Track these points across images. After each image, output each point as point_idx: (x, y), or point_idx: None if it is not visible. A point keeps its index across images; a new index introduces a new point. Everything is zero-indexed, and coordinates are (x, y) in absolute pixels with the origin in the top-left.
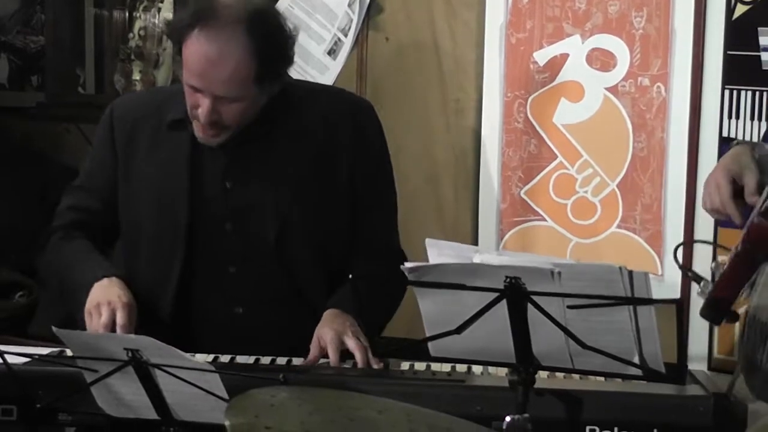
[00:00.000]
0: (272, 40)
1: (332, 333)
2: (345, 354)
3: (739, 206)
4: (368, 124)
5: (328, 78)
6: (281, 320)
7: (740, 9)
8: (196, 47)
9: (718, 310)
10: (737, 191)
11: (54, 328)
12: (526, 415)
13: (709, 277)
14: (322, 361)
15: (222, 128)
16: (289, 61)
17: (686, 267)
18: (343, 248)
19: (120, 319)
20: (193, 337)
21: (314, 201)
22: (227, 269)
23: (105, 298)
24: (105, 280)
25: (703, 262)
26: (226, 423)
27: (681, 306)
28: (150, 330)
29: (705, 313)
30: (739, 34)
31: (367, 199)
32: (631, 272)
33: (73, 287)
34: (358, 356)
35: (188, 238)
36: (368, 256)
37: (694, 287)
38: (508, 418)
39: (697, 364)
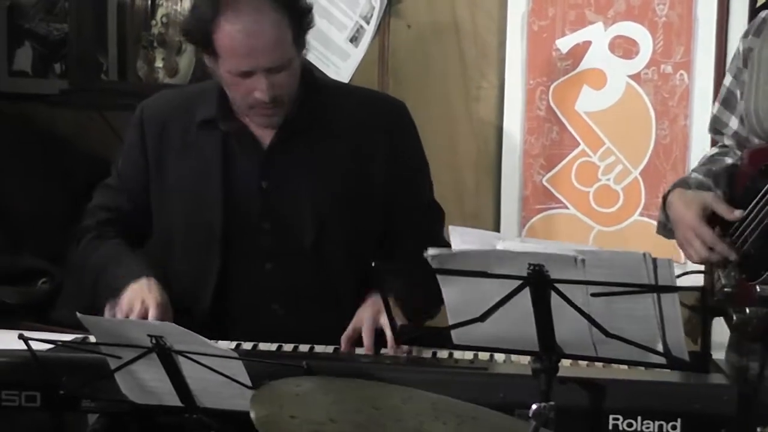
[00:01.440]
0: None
1: (369, 314)
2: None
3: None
4: (404, 126)
5: (350, 65)
6: (316, 317)
7: None
8: (232, 30)
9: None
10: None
11: (78, 314)
12: (552, 403)
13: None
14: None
15: (281, 103)
16: (311, 17)
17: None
18: (377, 250)
19: (152, 317)
20: (231, 335)
21: (351, 200)
22: (264, 266)
23: (139, 297)
24: (143, 279)
25: None
26: (252, 413)
27: (705, 293)
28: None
29: (759, 335)
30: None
31: (406, 199)
32: (655, 259)
33: (108, 286)
34: (388, 333)
35: (224, 238)
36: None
37: None
38: (534, 406)
39: (720, 352)
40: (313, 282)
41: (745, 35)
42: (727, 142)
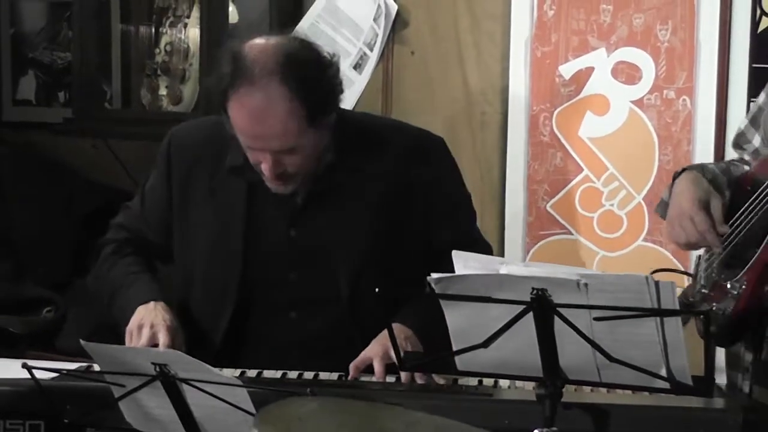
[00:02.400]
0: (312, 80)
1: (381, 343)
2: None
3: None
4: (442, 162)
5: (353, 92)
6: (337, 363)
7: (765, 22)
8: (240, 110)
9: (739, 328)
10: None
11: (82, 341)
12: (555, 429)
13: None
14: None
15: (290, 178)
16: (336, 91)
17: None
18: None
19: (162, 340)
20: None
21: (387, 250)
22: (288, 315)
23: (148, 320)
24: (151, 303)
25: None
26: None
27: (708, 317)
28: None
29: (722, 337)
30: (764, 46)
31: (448, 236)
32: (657, 283)
33: (121, 305)
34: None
35: (241, 288)
36: None
37: None
38: (536, 431)
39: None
40: (342, 330)
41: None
42: (747, 157)
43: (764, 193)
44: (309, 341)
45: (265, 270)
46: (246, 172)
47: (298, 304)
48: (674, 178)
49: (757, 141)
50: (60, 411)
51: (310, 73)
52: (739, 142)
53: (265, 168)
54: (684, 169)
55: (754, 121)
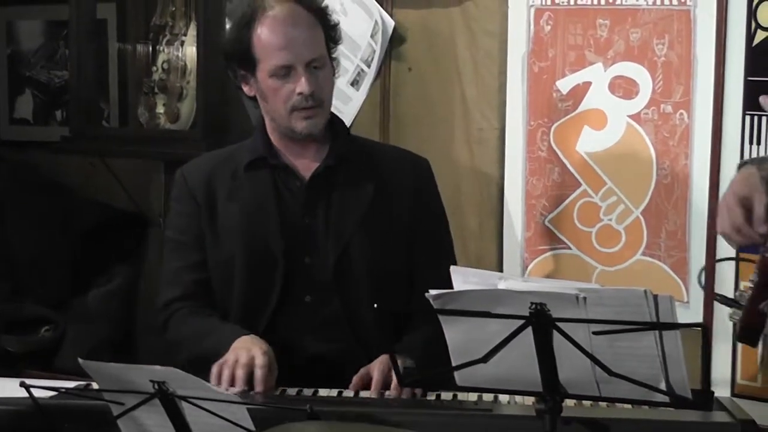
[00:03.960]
0: (324, 9)
1: (379, 368)
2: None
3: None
4: (428, 179)
5: (351, 108)
6: (343, 351)
7: (760, 35)
8: (271, 26)
9: (752, 334)
10: (749, 215)
11: (80, 360)
12: None
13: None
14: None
15: (319, 103)
16: (339, 34)
17: (713, 291)
18: (398, 293)
19: (259, 364)
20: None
21: (377, 239)
22: (303, 299)
23: (245, 347)
24: (246, 336)
25: (726, 286)
26: None
27: (706, 330)
28: None
29: (742, 337)
30: (759, 60)
31: (426, 242)
32: (656, 296)
33: (216, 341)
34: (394, 381)
35: (285, 269)
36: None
37: (717, 312)
38: None
39: (721, 389)
40: (341, 315)
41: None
42: None
43: None
44: (319, 325)
45: (288, 255)
46: (268, 160)
47: (311, 289)
48: (739, 168)
49: None
50: (58, 430)
51: (317, 5)
52: None
53: (301, 87)
54: (747, 162)
55: None
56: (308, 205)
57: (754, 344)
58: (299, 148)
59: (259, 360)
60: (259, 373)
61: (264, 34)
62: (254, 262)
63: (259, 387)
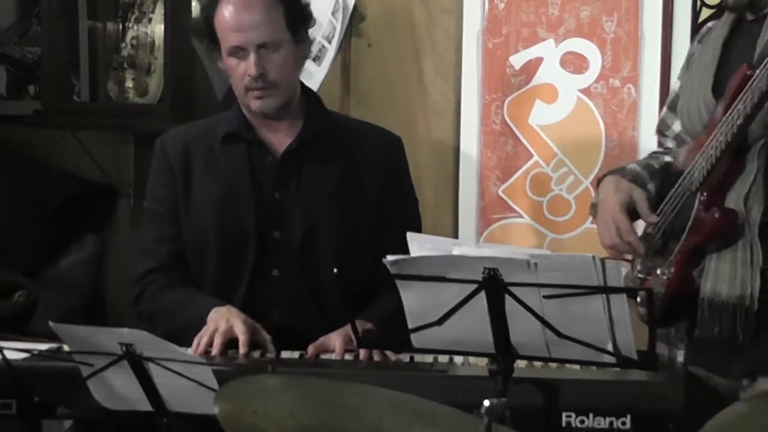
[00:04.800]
0: None
1: (341, 331)
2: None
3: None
4: (399, 156)
5: (313, 83)
6: (306, 326)
7: (705, 12)
8: (226, 9)
9: (671, 309)
10: (634, 217)
11: (51, 323)
12: (504, 399)
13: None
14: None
15: (270, 85)
16: (309, 13)
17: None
18: (364, 269)
19: (240, 332)
20: None
21: (346, 216)
22: (271, 273)
23: (224, 317)
24: (223, 307)
25: None
26: (216, 408)
27: (651, 294)
28: None
29: (655, 317)
30: None
31: (395, 221)
32: (604, 262)
33: (192, 314)
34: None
35: (258, 238)
36: None
37: None
38: (486, 403)
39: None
40: (306, 289)
41: (692, 43)
42: (670, 144)
43: (682, 185)
44: (285, 299)
45: (260, 228)
46: (243, 135)
47: (279, 263)
48: (598, 183)
49: (677, 126)
50: (31, 390)
51: None
52: (662, 129)
53: (250, 68)
54: (606, 175)
55: (672, 107)
56: (279, 180)
57: (669, 324)
58: (273, 122)
59: (239, 327)
60: (242, 338)
61: (221, 15)
62: (227, 237)
63: (243, 350)
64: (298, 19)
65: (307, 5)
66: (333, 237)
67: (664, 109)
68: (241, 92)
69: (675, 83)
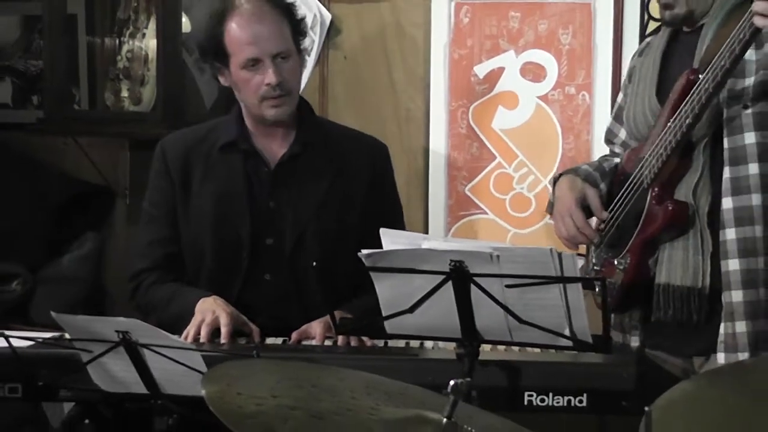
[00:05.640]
0: (289, 4)
1: (321, 320)
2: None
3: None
4: (385, 163)
5: None
6: (293, 323)
7: (652, 25)
8: (239, 24)
9: (628, 296)
10: (587, 213)
11: (53, 313)
12: (468, 379)
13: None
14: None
15: (286, 93)
16: (305, 26)
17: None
18: (349, 271)
19: (224, 323)
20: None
21: (333, 223)
22: (263, 277)
23: (210, 308)
24: (210, 298)
25: None
26: (202, 391)
27: (605, 283)
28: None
29: (614, 305)
30: None
31: (381, 226)
32: (560, 254)
33: (181, 304)
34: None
35: (252, 246)
36: None
37: None
38: (452, 382)
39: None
40: (294, 290)
41: (633, 56)
42: (617, 150)
43: (633, 182)
44: (276, 302)
45: (254, 235)
46: (239, 145)
47: (271, 269)
48: (554, 183)
49: (623, 134)
50: (35, 375)
51: (283, 1)
52: (609, 137)
53: (268, 78)
54: (561, 174)
55: (617, 117)
56: (274, 189)
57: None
58: (270, 130)
59: (224, 319)
60: (224, 330)
61: (233, 30)
62: (223, 243)
63: (224, 340)
64: (299, 31)
65: (304, 19)
66: (321, 244)
67: (611, 119)
68: (254, 102)
69: (619, 96)
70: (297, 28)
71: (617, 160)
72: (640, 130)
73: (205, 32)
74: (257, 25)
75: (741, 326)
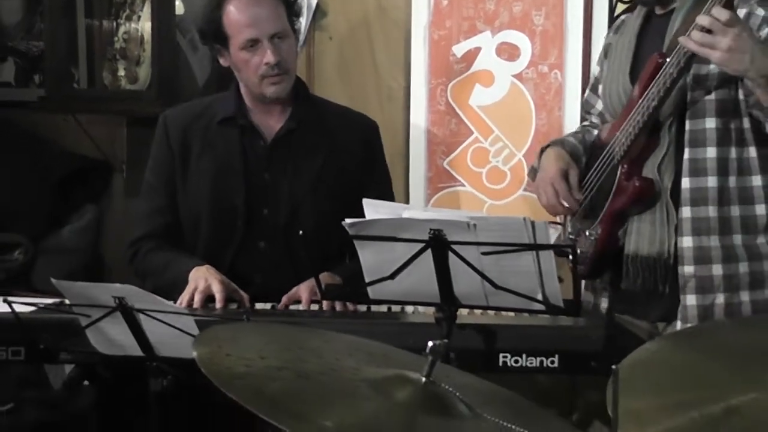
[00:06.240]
0: None
1: (308, 284)
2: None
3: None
4: (376, 139)
5: None
6: (285, 288)
7: (620, 7)
8: (237, 7)
9: (599, 264)
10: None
11: (53, 280)
12: (446, 340)
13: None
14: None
15: (284, 71)
16: (299, 9)
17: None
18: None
19: (217, 290)
20: None
21: (326, 196)
22: (258, 245)
23: (202, 276)
24: (203, 267)
25: None
26: (194, 353)
27: (575, 251)
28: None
29: (586, 272)
30: None
31: (372, 197)
32: (533, 223)
33: (174, 274)
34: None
35: (247, 215)
36: None
37: None
38: (430, 343)
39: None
40: (287, 258)
41: (608, 33)
42: (594, 120)
43: (605, 157)
44: (269, 268)
45: (250, 205)
46: (237, 120)
47: (266, 236)
48: (542, 151)
49: (599, 105)
50: (37, 339)
51: None
52: (586, 108)
53: (267, 57)
54: (549, 144)
55: (594, 89)
56: (269, 163)
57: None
58: (267, 107)
59: (216, 286)
60: (218, 296)
61: (232, 12)
62: (219, 212)
63: (219, 305)
64: (293, 12)
65: (297, 0)
66: (314, 215)
67: (588, 91)
68: (255, 81)
69: (595, 69)
70: (292, 9)
71: (596, 131)
72: (614, 107)
73: (203, 16)
74: (255, 8)
75: (692, 299)
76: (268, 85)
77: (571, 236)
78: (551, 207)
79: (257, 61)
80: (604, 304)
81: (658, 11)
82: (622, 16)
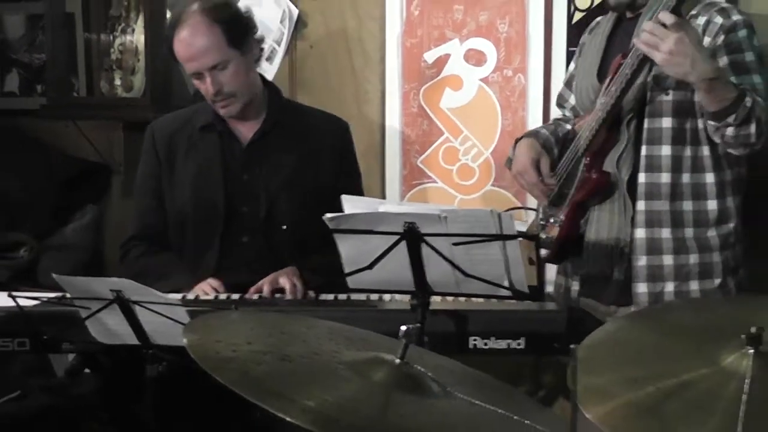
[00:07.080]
0: (227, 12)
1: (288, 271)
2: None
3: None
4: (348, 140)
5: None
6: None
7: (577, 15)
8: (180, 39)
9: (563, 250)
10: (539, 174)
11: (54, 275)
12: (419, 324)
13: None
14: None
15: (228, 96)
16: (251, 25)
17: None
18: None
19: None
20: None
21: (301, 193)
22: (241, 239)
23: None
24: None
25: None
26: (185, 339)
27: (538, 240)
28: None
29: (551, 257)
30: (576, 34)
31: (343, 193)
32: (500, 215)
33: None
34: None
35: (226, 213)
36: None
37: None
38: (403, 327)
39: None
40: (268, 250)
41: (584, 33)
42: (567, 113)
43: (572, 150)
44: (253, 260)
45: (230, 204)
46: (216, 127)
47: (247, 232)
48: (516, 142)
49: (572, 100)
50: (41, 330)
51: (227, 10)
52: (560, 102)
53: (207, 88)
54: (524, 135)
55: (568, 84)
56: (246, 164)
57: (561, 260)
58: (239, 116)
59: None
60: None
61: (177, 44)
62: (201, 211)
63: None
64: (239, 34)
65: (248, 19)
66: (289, 211)
67: (562, 86)
68: (210, 102)
69: (571, 65)
70: (235, 32)
71: (569, 126)
72: (584, 103)
73: (165, 40)
74: (191, 45)
75: (643, 287)
76: (218, 107)
77: (542, 222)
78: (528, 192)
79: (204, 88)
80: (575, 287)
81: (629, 15)
82: (597, 18)
